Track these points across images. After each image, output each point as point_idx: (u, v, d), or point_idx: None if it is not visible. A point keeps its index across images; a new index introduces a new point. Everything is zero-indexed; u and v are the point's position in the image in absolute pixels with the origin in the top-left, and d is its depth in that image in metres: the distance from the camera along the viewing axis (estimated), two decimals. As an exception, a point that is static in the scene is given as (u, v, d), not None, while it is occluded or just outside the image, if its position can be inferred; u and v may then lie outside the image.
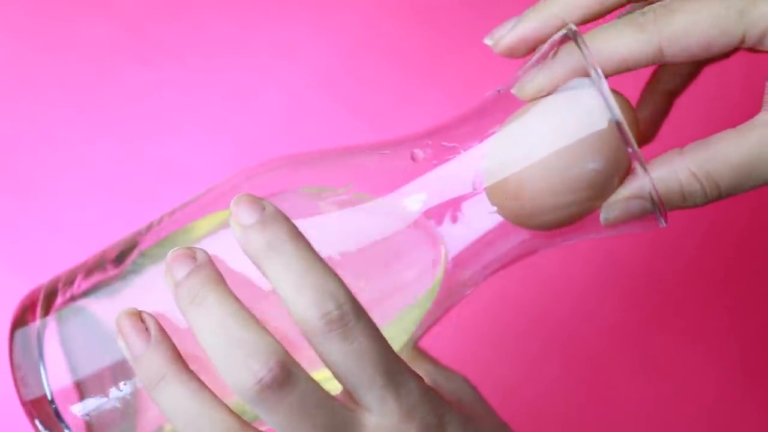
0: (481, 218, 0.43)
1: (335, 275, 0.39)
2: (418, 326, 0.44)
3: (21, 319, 0.46)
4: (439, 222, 0.43)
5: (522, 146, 0.42)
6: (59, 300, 0.45)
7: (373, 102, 0.71)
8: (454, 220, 0.43)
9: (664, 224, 0.43)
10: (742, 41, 0.42)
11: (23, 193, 0.69)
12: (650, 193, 0.42)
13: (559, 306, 0.68)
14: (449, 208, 0.43)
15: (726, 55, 0.44)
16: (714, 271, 0.69)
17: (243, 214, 0.40)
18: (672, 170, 0.42)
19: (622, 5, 0.45)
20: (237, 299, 0.40)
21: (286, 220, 0.40)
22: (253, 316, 0.39)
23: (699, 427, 0.67)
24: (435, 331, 0.67)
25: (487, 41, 0.46)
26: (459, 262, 0.44)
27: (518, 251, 0.44)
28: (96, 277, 0.45)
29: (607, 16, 0.46)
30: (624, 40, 0.42)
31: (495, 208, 0.42)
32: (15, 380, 0.44)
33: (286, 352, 0.39)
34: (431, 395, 0.41)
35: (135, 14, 0.73)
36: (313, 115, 0.71)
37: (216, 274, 0.40)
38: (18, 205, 0.69)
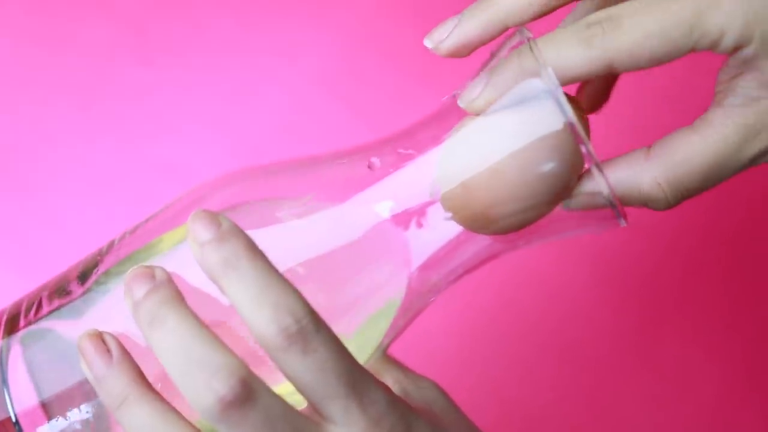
0: (440, 225, 0.43)
1: (293, 289, 0.39)
2: (385, 335, 0.44)
3: None
4: (400, 229, 0.43)
5: (471, 153, 0.42)
6: (22, 322, 0.45)
7: (372, 102, 0.71)
8: (415, 226, 0.43)
9: (624, 224, 0.43)
10: (692, 50, 0.42)
11: (23, 193, 0.69)
12: (607, 196, 0.41)
13: (556, 308, 0.68)
14: (409, 216, 0.43)
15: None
16: (712, 271, 0.69)
17: (199, 231, 0.40)
18: (636, 177, 0.42)
19: (565, 4, 0.44)
20: (196, 318, 0.39)
21: (243, 235, 0.40)
22: (213, 334, 0.39)
23: (698, 428, 0.67)
24: (433, 334, 0.67)
25: (427, 44, 0.46)
26: (423, 268, 0.43)
27: (481, 256, 0.44)
28: (59, 298, 0.45)
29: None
30: (573, 56, 0.42)
31: (450, 215, 0.42)
32: None
33: (248, 369, 0.39)
34: (398, 404, 0.41)
35: (135, 14, 0.73)
36: (313, 115, 0.71)
37: (175, 293, 0.40)
38: (18, 205, 0.69)
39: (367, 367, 0.44)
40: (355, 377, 0.40)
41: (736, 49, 0.42)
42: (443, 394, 0.48)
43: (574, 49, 0.42)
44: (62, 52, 0.72)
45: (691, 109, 0.47)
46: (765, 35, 0.42)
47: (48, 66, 0.71)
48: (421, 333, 0.67)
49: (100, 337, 0.41)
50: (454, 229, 0.43)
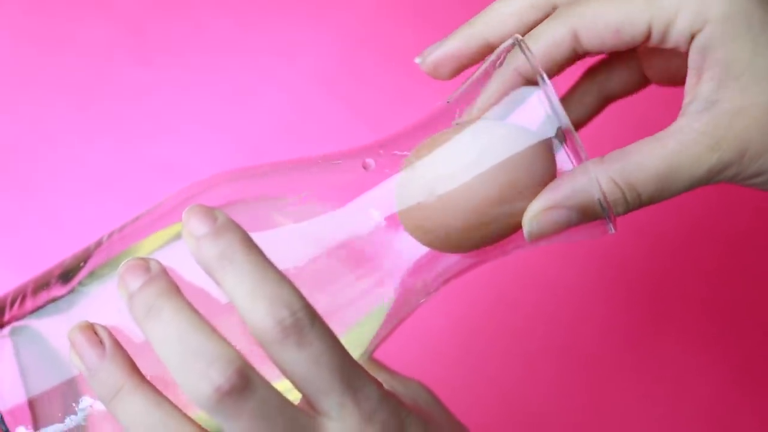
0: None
1: (289, 283, 0.39)
2: (373, 337, 0.44)
3: None
4: (391, 231, 0.43)
5: (424, 177, 0.42)
6: (6, 317, 0.44)
7: (372, 102, 0.71)
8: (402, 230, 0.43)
9: (613, 231, 0.43)
10: (650, 30, 0.43)
11: (23, 192, 0.69)
12: (599, 200, 0.41)
13: (556, 308, 0.68)
14: (396, 219, 0.43)
15: (639, 45, 0.44)
16: (712, 271, 0.69)
17: (195, 225, 0.40)
18: (592, 179, 0.42)
19: (540, 20, 0.45)
20: (193, 308, 0.39)
21: (239, 229, 0.40)
22: (210, 325, 0.39)
23: (697, 428, 0.67)
24: (434, 333, 0.67)
25: (417, 59, 0.47)
26: (411, 272, 0.43)
27: (465, 263, 0.44)
28: (44, 295, 0.44)
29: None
30: (540, 28, 0.43)
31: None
32: None
33: (245, 360, 0.39)
34: (390, 399, 0.41)
35: (135, 14, 0.73)
36: (313, 115, 0.71)
37: (171, 284, 0.40)
38: (18, 204, 0.69)
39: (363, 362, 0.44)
40: (350, 372, 0.40)
41: (693, 35, 0.42)
42: (430, 393, 0.49)
43: (542, 24, 0.44)
44: (61, 52, 0.72)
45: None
46: (721, 15, 0.42)
47: (47, 66, 0.71)
48: (422, 332, 0.67)
49: (92, 329, 0.41)
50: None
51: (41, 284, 0.45)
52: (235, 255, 0.39)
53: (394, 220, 0.43)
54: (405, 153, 0.43)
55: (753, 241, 0.70)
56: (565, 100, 0.49)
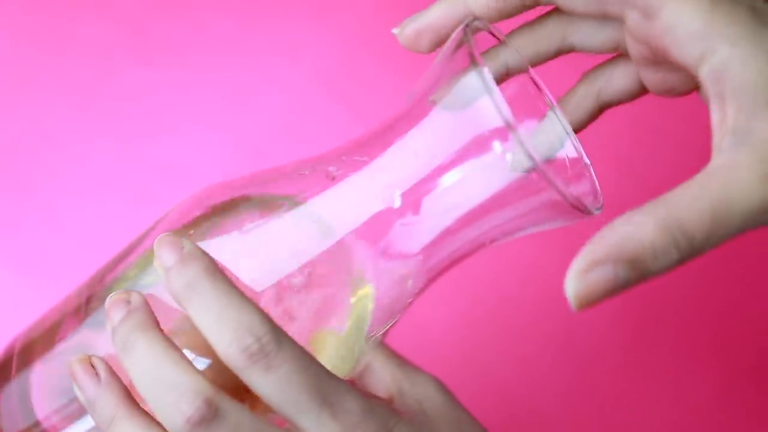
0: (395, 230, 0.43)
1: (253, 308, 0.40)
2: (369, 325, 0.44)
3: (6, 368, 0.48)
4: (363, 234, 0.43)
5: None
6: (38, 350, 0.47)
7: (372, 102, 0.71)
8: (375, 231, 0.43)
9: (596, 212, 0.40)
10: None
11: (23, 192, 0.69)
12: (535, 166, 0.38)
13: (557, 305, 0.68)
14: (370, 222, 0.43)
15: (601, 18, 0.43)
16: (712, 271, 0.69)
17: (164, 255, 0.41)
18: (636, 227, 0.37)
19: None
20: (166, 341, 0.41)
21: (204, 257, 0.41)
22: (181, 356, 0.41)
23: (697, 428, 0.67)
24: (434, 331, 0.67)
25: (394, 30, 0.46)
26: (387, 258, 0.43)
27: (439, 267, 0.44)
28: (65, 327, 0.47)
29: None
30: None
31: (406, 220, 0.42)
32: None
33: (213, 389, 0.40)
34: (376, 409, 0.41)
35: (135, 14, 0.73)
36: (313, 115, 0.71)
37: (145, 318, 0.42)
38: (18, 204, 0.69)
39: (360, 361, 0.44)
40: (324, 388, 0.40)
41: (701, 56, 0.39)
42: (441, 390, 0.48)
43: None
44: (61, 52, 0.72)
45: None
46: (733, 38, 0.39)
47: (47, 66, 0.71)
48: (422, 330, 0.67)
49: (88, 361, 0.43)
50: (406, 234, 0.43)
51: (72, 309, 0.47)
52: (199, 284, 0.40)
53: (366, 226, 0.43)
54: (364, 158, 0.43)
55: (753, 240, 0.70)
56: (562, 102, 0.47)
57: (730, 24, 0.39)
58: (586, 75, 0.47)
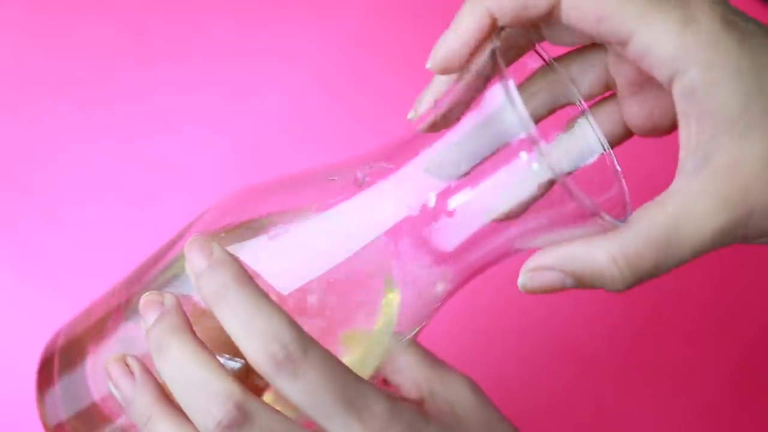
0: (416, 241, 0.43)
1: (281, 314, 0.40)
2: (397, 324, 0.44)
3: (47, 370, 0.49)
4: (391, 239, 0.43)
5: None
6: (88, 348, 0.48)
7: (372, 103, 0.71)
8: (402, 236, 0.43)
9: (623, 222, 0.41)
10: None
11: (23, 193, 0.69)
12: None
13: (559, 307, 0.68)
14: (397, 228, 0.43)
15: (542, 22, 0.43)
16: (712, 271, 0.69)
17: (194, 260, 0.42)
18: (589, 248, 0.40)
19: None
20: (198, 344, 0.42)
21: (233, 263, 0.41)
22: (213, 359, 0.41)
23: (698, 428, 0.67)
24: (433, 333, 0.67)
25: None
26: (410, 259, 0.44)
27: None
28: (109, 327, 0.47)
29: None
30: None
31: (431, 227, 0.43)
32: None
33: (244, 393, 0.41)
34: (404, 412, 0.42)
35: (135, 14, 0.73)
36: (313, 115, 0.71)
37: (179, 321, 0.42)
38: (18, 205, 0.69)
39: (388, 359, 0.45)
40: (351, 392, 0.41)
41: (672, 76, 0.40)
42: (473, 391, 0.49)
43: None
44: (62, 52, 0.72)
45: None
46: (705, 61, 0.39)
47: (48, 66, 0.71)
48: (424, 332, 0.67)
49: (123, 361, 0.44)
50: (435, 237, 0.43)
51: (105, 317, 0.48)
52: (228, 292, 0.41)
53: (394, 230, 0.43)
54: (390, 165, 0.43)
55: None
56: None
57: (699, 46, 0.39)
58: (569, 123, 0.47)
